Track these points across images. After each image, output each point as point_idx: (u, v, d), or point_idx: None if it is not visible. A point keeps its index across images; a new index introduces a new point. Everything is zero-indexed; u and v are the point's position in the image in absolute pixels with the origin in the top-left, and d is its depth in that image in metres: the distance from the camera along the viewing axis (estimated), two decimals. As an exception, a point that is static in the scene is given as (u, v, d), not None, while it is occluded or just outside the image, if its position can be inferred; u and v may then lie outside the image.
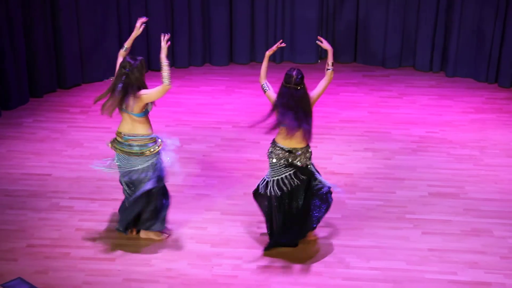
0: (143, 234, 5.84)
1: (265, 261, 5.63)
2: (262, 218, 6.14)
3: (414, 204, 6.41)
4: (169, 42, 5.52)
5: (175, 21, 9.24)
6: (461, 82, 9.07)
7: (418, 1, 9.16)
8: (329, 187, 5.63)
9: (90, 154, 7.16)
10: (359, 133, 7.71)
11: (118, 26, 8.89)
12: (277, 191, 5.53)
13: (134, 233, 5.84)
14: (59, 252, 5.67)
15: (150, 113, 5.61)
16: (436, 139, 7.60)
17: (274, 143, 5.58)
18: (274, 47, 5.62)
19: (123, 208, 5.78)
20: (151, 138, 5.58)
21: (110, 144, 5.69)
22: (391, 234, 5.97)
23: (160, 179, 5.62)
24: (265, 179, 5.63)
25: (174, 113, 8.08)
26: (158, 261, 5.61)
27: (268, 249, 5.71)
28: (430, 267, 5.59)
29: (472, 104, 8.45)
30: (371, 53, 9.51)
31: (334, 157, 7.16)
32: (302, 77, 5.38)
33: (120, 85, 5.45)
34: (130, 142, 5.56)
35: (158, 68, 8.91)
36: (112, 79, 5.60)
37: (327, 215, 5.91)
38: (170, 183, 5.89)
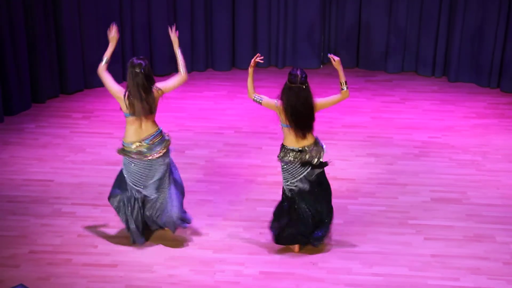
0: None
1: (268, 267, 5.63)
2: (264, 224, 6.14)
3: (416, 209, 6.40)
4: (177, 32, 5.57)
5: (177, 27, 9.19)
6: (463, 87, 9.07)
7: (420, 7, 9.16)
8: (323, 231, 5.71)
9: (92, 160, 7.17)
10: (362, 138, 7.70)
11: (121, 32, 8.88)
12: (292, 193, 5.59)
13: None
14: (61, 258, 5.67)
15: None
16: (438, 144, 7.59)
17: (283, 146, 5.59)
18: (252, 62, 5.62)
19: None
20: (160, 132, 5.64)
21: (132, 156, 5.64)
22: (393, 239, 5.97)
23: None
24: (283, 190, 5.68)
25: (176, 118, 8.09)
26: (160, 267, 5.60)
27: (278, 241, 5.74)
28: (433, 273, 5.58)
29: (474, 109, 8.44)
30: (373, 58, 9.51)
31: (336, 162, 7.14)
32: (306, 76, 5.44)
33: (141, 87, 5.46)
34: (154, 142, 5.57)
35: (161, 74, 9.01)
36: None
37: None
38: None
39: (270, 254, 5.77)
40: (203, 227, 6.09)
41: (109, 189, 6.59)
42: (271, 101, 5.54)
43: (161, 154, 5.61)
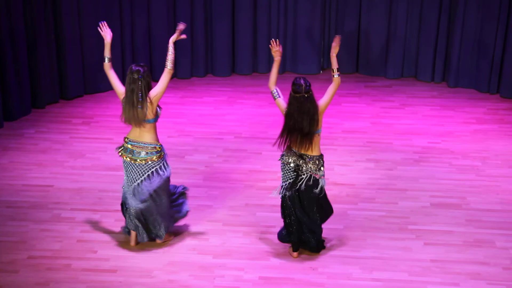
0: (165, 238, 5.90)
1: (267, 272, 5.62)
2: (264, 229, 6.15)
3: (416, 214, 6.39)
4: (182, 26, 5.62)
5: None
6: (463, 92, 9.08)
7: (420, 12, 9.18)
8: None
9: (92, 165, 7.17)
10: (361, 144, 7.71)
11: (121, 38, 8.92)
12: (286, 195, 5.63)
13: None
14: (61, 263, 5.66)
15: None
16: (438, 150, 7.59)
17: (289, 147, 5.62)
18: (280, 48, 5.63)
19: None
20: (156, 147, 5.61)
21: (118, 151, 5.70)
22: (393, 245, 5.96)
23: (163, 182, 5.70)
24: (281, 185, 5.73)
25: (176, 124, 8.09)
26: (159, 273, 5.59)
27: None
28: (433, 278, 5.57)
29: (474, 115, 8.45)
30: (373, 64, 9.52)
31: (336, 167, 7.15)
32: (310, 84, 5.49)
33: (139, 94, 5.47)
34: (135, 150, 5.57)
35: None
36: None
37: (330, 226, 5.92)
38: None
39: (270, 259, 5.76)
40: (203, 232, 6.08)
41: (108, 194, 6.62)
42: (282, 105, 5.59)
43: (154, 161, 5.59)
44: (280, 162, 5.67)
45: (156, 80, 9.03)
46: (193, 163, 7.21)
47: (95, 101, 8.68)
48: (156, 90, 5.55)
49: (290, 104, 5.48)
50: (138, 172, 5.63)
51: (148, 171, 5.62)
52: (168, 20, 9.16)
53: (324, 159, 5.67)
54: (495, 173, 7.12)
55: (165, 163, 5.69)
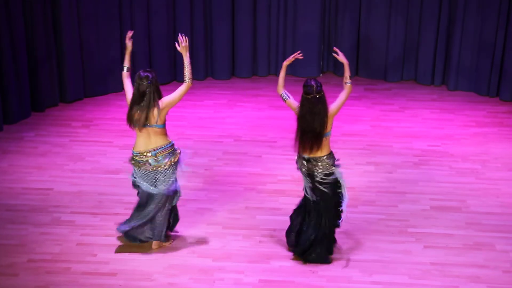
0: (155, 245, 5.86)
1: (267, 275, 5.62)
2: (264, 232, 6.14)
3: (416, 217, 6.39)
4: (187, 41, 5.65)
5: (177, 36, 9.26)
6: (462, 95, 9.09)
7: (420, 15, 9.19)
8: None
9: (91, 169, 7.17)
10: (361, 147, 7.71)
11: (120, 41, 8.92)
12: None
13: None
14: (60, 267, 5.66)
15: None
16: (437, 153, 7.60)
17: (298, 152, 5.65)
18: (292, 57, 5.67)
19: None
20: (172, 145, 5.66)
21: (142, 164, 5.70)
22: (393, 248, 5.96)
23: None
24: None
25: (176, 127, 8.08)
26: (159, 276, 5.59)
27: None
28: (432, 281, 5.57)
29: (473, 118, 8.46)
30: (372, 67, 9.53)
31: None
32: (321, 85, 5.52)
33: (145, 99, 5.48)
34: (163, 154, 5.61)
35: (161, 82, 8.97)
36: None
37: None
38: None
39: (270, 263, 5.76)
40: (203, 235, 6.08)
41: (108, 197, 6.62)
42: (294, 104, 5.61)
43: (166, 167, 5.61)
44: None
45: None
46: (193, 166, 7.19)
47: (94, 104, 8.69)
48: (170, 98, 5.57)
49: (302, 106, 5.50)
50: (161, 177, 5.64)
51: (157, 175, 5.63)
52: (168, 24, 9.17)
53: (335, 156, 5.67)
54: (494, 176, 7.13)
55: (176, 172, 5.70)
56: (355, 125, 8.21)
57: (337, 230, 6.07)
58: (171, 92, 5.65)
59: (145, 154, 5.59)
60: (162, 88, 5.67)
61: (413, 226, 6.27)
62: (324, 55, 9.64)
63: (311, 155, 5.56)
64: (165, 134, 5.66)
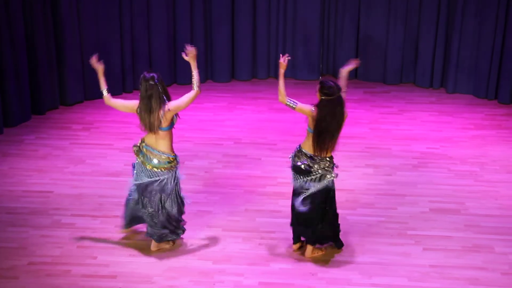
0: (154, 246, 5.87)
1: (267, 277, 5.63)
2: (263, 234, 6.16)
3: (415, 220, 6.41)
4: (195, 51, 5.59)
5: (177, 39, 9.31)
6: (461, 98, 9.11)
7: (418, 18, 9.22)
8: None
9: (92, 171, 7.19)
10: (360, 149, 7.73)
11: (121, 44, 8.95)
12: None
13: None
14: (61, 269, 5.67)
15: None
16: (436, 155, 7.62)
17: (300, 149, 5.67)
18: (284, 62, 5.58)
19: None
20: (170, 157, 5.64)
21: (134, 149, 5.75)
22: (392, 250, 5.98)
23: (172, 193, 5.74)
24: None
25: (176, 130, 8.00)
26: (159, 278, 5.61)
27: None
28: (432, 283, 5.59)
29: (472, 121, 8.48)
30: (371, 70, 9.55)
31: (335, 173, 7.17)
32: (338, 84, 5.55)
33: (153, 100, 5.50)
34: (149, 155, 5.59)
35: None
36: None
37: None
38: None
39: (270, 265, 5.78)
40: (203, 238, 6.10)
41: (108, 200, 6.63)
42: (306, 107, 5.56)
43: (154, 169, 5.64)
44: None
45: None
46: (193, 169, 7.23)
47: (95, 107, 8.71)
48: (177, 103, 5.57)
49: (322, 107, 5.46)
50: (145, 174, 5.66)
51: (154, 177, 5.65)
52: (168, 27, 9.19)
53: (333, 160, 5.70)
54: (493, 178, 7.15)
55: (174, 177, 5.69)
56: (354, 127, 8.23)
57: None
58: (174, 96, 5.69)
59: (152, 150, 5.61)
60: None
61: (412, 228, 6.29)
62: (324, 58, 9.66)
63: (314, 153, 5.58)
64: (170, 140, 5.65)
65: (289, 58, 5.74)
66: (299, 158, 5.64)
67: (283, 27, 9.49)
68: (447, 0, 9.03)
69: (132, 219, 5.93)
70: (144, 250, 5.91)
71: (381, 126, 8.31)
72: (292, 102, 5.59)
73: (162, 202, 5.73)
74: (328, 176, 5.63)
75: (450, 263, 5.82)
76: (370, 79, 9.58)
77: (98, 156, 7.50)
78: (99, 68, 5.73)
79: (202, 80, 9.53)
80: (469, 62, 9.10)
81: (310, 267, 5.75)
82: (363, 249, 5.98)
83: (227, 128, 8.22)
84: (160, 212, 5.75)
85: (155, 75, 5.54)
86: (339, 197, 6.69)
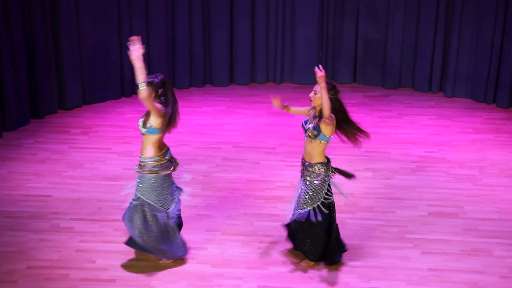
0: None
1: (266, 281, 5.63)
2: (262, 238, 6.16)
3: (414, 223, 6.42)
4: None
5: (176, 43, 9.32)
6: (459, 102, 9.13)
7: (417, 23, 9.24)
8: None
9: (91, 175, 7.19)
10: (359, 153, 7.73)
11: (120, 48, 8.96)
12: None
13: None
14: (59, 273, 5.67)
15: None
16: (435, 159, 7.63)
17: (328, 164, 5.72)
18: (322, 72, 5.31)
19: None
20: (155, 160, 5.57)
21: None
22: (391, 253, 5.98)
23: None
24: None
25: (175, 134, 8.01)
26: (158, 282, 5.60)
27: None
28: (430, 287, 5.58)
29: (470, 124, 8.49)
30: (370, 74, 9.57)
31: (334, 177, 7.16)
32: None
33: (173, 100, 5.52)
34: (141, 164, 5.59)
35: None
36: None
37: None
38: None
39: (268, 269, 5.77)
40: (201, 242, 6.10)
41: (107, 204, 6.63)
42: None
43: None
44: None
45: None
46: (192, 173, 7.21)
47: (93, 111, 8.71)
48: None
49: (340, 107, 5.50)
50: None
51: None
52: (167, 31, 9.20)
53: (329, 165, 5.68)
54: (492, 182, 7.16)
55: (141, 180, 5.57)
56: (353, 131, 8.23)
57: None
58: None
59: (161, 157, 5.61)
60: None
61: (411, 232, 6.29)
62: (322, 61, 9.68)
63: (305, 159, 5.63)
64: (155, 145, 5.59)
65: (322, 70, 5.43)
66: (330, 169, 5.69)
67: (282, 31, 9.50)
68: (445, 5, 9.05)
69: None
70: (143, 254, 5.90)
71: (380, 130, 8.32)
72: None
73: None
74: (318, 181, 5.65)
75: (449, 266, 5.82)
76: (369, 83, 9.60)
77: (96, 160, 7.50)
78: (135, 58, 5.33)
79: (201, 84, 9.54)
80: (467, 66, 9.11)
81: (309, 271, 5.75)
82: (362, 253, 5.97)
83: (226, 132, 8.22)
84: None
85: (162, 75, 5.58)
86: (338, 201, 6.69)
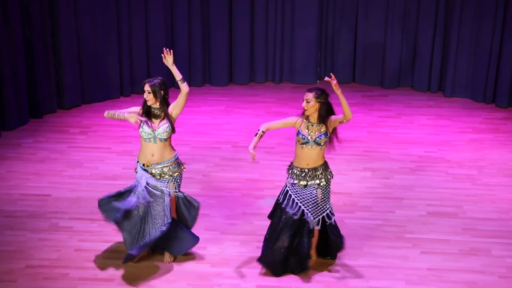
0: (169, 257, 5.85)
1: (265, 281, 5.63)
2: (261, 237, 6.15)
3: (413, 223, 6.42)
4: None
5: (175, 43, 9.32)
6: (458, 102, 9.13)
7: (416, 22, 9.24)
8: None
9: (90, 175, 7.19)
10: (358, 153, 7.74)
11: (119, 48, 8.96)
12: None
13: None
14: (58, 273, 5.67)
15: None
16: (434, 159, 7.63)
17: (327, 167, 5.69)
18: (334, 80, 5.35)
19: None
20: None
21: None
22: (390, 253, 5.98)
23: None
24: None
25: (174, 133, 8.10)
26: (157, 282, 5.60)
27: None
28: (429, 286, 5.59)
29: (469, 124, 8.50)
30: (369, 73, 9.57)
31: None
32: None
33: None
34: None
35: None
36: None
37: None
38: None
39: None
40: (200, 241, 6.08)
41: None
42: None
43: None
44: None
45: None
46: (191, 172, 7.23)
47: (92, 110, 8.71)
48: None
49: (332, 110, 5.50)
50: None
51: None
52: (166, 31, 9.20)
53: (288, 168, 5.67)
54: (491, 182, 7.16)
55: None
56: (352, 131, 8.24)
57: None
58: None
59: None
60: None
61: (410, 231, 6.29)
62: (321, 61, 9.68)
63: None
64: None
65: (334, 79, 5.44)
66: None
67: (281, 31, 9.50)
68: (444, 5, 9.06)
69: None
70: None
71: (379, 130, 8.33)
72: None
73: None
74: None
75: (448, 266, 5.82)
76: (368, 82, 9.60)
77: (96, 159, 7.50)
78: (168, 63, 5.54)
79: (200, 83, 9.54)
80: (466, 66, 9.12)
81: (308, 270, 5.74)
82: (361, 252, 5.98)
83: (225, 132, 8.23)
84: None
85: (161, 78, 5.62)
86: (336, 200, 6.71)
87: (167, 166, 5.60)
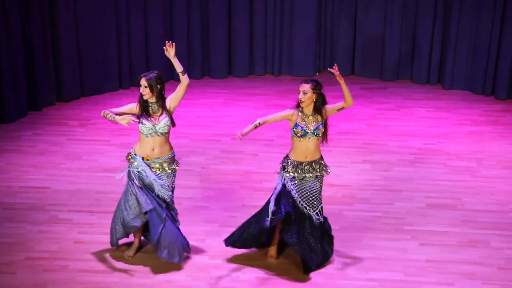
0: None
1: (264, 273, 5.64)
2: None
3: (412, 215, 6.43)
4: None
5: (174, 35, 9.31)
6: (458, 94, 9.13)
7: (415, 15, 9.23)
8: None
9: (89, 167, 7.19)
10: (357, 145, 7.74)
11: (118, 41, 8.95)
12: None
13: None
14: (58, 264, 5.68)
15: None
16: (433, 151, 7.63)
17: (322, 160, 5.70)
18: (337, 72, 5.48)
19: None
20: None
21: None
22: (389, 245, 5.99)
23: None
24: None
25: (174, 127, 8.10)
26: (156, 274, 5.61)
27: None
28: (428, 278, 5.60)
29: (468, 116, 8.50)
30: (369, 66, 9.57)
31: (332, 169, 7.14)
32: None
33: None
34: None
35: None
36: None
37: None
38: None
39: (266, 260, 5.78)
40: (199, 234, 6.11)
41: (105, 196, 6.63)
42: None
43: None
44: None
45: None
46: (190, 165, 7.24)
47: (91, 103, 8.71)
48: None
49: (325, 101, 5.55)
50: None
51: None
52: (165, 23, 9.19)
53: (284, 161, 5.67)
54: (490, 174, 7.17)
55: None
56: (351, 123, 8.25)
57: (333, 228, 6.10)
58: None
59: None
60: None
61: (409, 223, 6.30)
62: (321, 54, 9.67)
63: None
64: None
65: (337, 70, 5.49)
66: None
67: (280, 23, 9.49)
68: (444, -3, 9.05)
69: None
70: (141, 245, 5.91)
71: (378, 122, 8.33)
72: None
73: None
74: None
75: (447, 258, 5.84)
76: (367, 75, 9.59)
77: (95, 152, 7.50)
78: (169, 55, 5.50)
79: (199, 76, 9.54)
80: (466, 58, 9.11)
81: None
82: (360, 244, 5.99)
83: (224, 124, 8.23)
84: None
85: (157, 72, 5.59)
86: (335, 192, 6.72)
87: (166, 161, 5.61)
